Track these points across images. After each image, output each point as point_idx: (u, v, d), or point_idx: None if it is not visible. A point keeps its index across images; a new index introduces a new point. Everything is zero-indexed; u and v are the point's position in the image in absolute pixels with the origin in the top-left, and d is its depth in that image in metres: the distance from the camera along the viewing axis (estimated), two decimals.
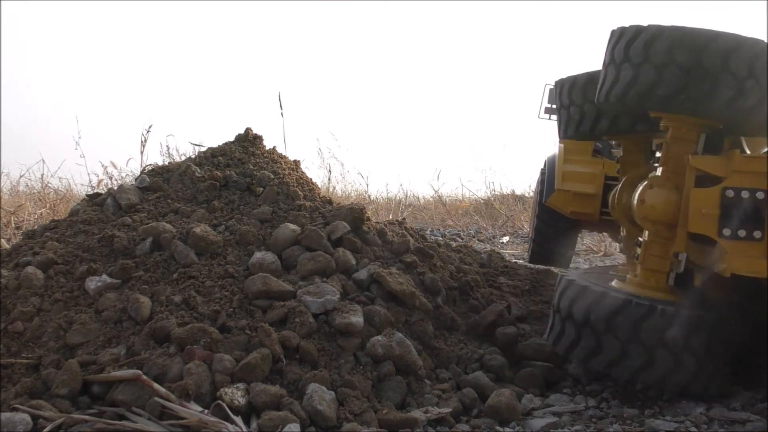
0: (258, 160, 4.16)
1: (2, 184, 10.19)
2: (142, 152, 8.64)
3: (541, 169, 5.72)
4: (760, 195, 2.73)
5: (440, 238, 7.74)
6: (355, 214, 3.68)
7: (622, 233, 3.93)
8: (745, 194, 2.74)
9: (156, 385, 2.52)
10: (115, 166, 9.43)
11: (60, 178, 9.85)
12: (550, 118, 6.35)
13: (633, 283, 3.10)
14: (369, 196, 12.74)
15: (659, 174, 3.08)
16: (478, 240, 9.76)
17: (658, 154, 3.18)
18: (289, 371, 2.76)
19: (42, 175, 9.80)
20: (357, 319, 3.02)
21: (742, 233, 2.74)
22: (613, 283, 3.16)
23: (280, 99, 6.52)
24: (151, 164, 4.91)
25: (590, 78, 3.72)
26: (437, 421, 2.74)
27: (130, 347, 2.81)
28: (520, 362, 3.42)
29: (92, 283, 3.15)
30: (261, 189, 3.91)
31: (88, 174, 9.53)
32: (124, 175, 9.35)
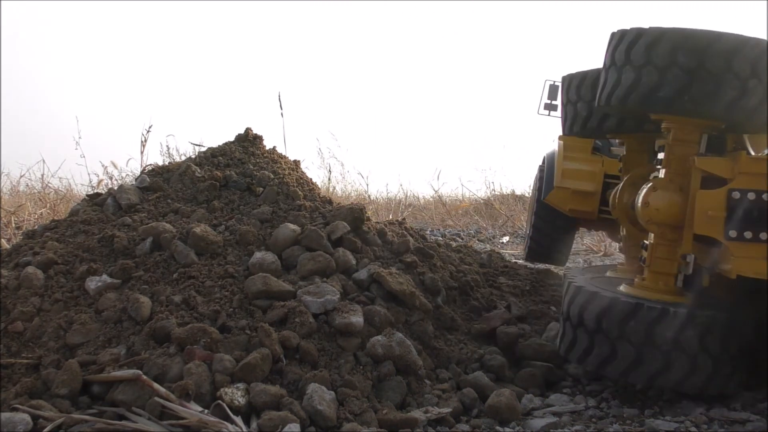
0: (258, 160, 4.16)
1: (2, 184, 10.19)
2: (142, 152, 8.64)
3: (540, 165, 5.70)
4: (766, 197, 2.72)
5: (440, 238, 7.73)
6: (355, 214, 3.68)
7: (621, 232, 3.92)
8: (751, 196, 2.74)
9: (156, 385, 2.52)
10: (115, 166, 9.43)
11: (60, 178, 9.85)
12: (549, 114, 6.32)
13: (642, 287, 3.08)
14: (369, 196, 12.73)
15: (662, 176, 3.07)
16: (478, 240, 9.76)
17: (660, 156, 3.17)
18: (289, 371, 2.76)
19: (42, 175, 9.80)
20: (357, 319, 3.02)
21: (748, 235, 2.73)
22: (622, 288, 3.14)
23: (280, 99, 6.52)
24: (151, 164, 4.91)
25: (600, 74, 3.72)
26: (437, 421, 2.74)
27: (130, 347, 2.81)
28: (520, 362, 3.42)
29: (92, 283, 3.15)
30: (261, 189, 3.91)
31: (88, 174, 9.53)
32: (124, 175, 9.35)
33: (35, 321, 2.95)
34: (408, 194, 13.83)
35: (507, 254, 7.36)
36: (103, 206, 3.82)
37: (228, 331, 2.89)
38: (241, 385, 2.61)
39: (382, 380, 2.89)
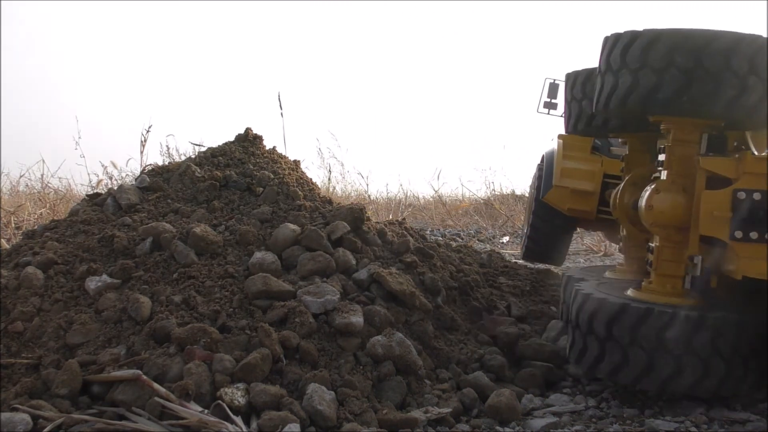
0: (258, 160, 4.16)
1: (2, 184, 10.20)
2: (142, 152, 8.64)
3: (539, 164, 5.68)
4: None
5: (440, 238, 7.73)
6: (355, 214, 3.68)
7: (621, 233, 3.91)
8: (757, 196, 2.72)
9: (156, 385, 2.52)
10: (115, 166, 9.43)
11: (60, 178, 9.85)
12: (548, 113, 6.30)
13: (650, 291, 3.06)
14: (369, 196, 12.73)
15: (664, 178, 3.06)
16: (478, 240, 9.76)
17: (661, 157, 3.15)
18: (289, 371, 2.76)
19: (42, 175, 9.81)
20: (357, 319, 3.02)
21: (754, 235, 2.72)
22: (630, 293, 3.12)
23: (279, 99, 6.52)
24: (151, 164, 4.91)
25: None
26: (437, 421, 2.74)
27: (130, 347, 2.81)
28: (520, 362, 3.42)
29: (92, 283, 3.15)
30: (261, 189, 3.91)
31: (88, 174, 9.53)
32: (124, 175, 9.35)
33: (35, 321, 2.95)
34: (408, 194, 13.83)
35: (507, 254, 7.36)
36: (103, 206, 3.82)
37: (228, 331, 2.89)
38: (241, 385, 2.61)
39: (382, 380, 2.89)
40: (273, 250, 3.41)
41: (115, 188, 3.98)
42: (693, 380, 2.79)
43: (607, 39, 3.06)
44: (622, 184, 3.74)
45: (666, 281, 3.04)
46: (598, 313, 2.94)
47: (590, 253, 8.99)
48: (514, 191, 13.46)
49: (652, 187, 3.05)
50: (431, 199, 13.54)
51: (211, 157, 4.15)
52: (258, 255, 3.32)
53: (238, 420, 2.45)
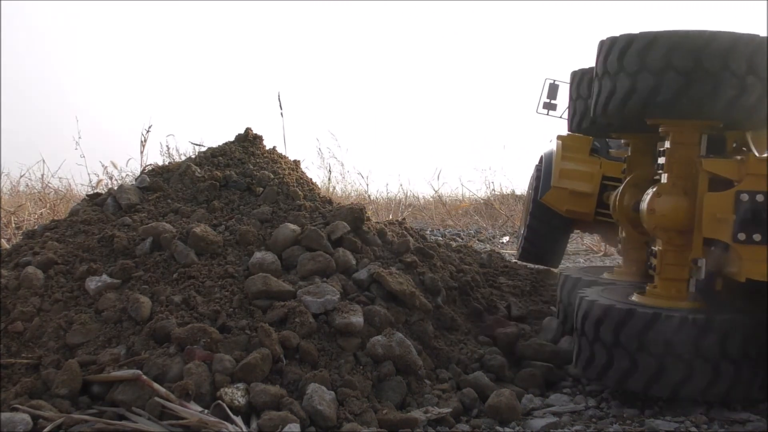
0: (258, 160, 4.16)
1: (2, 184, 10.20)
2: (142, 152, 8.65)
3: (537, 165, 5.67)
4: None
5: (440, 238, 7.73)
6: (355, 214, 3.68)
7: (620, 234, 3.90)
8: (760, 197, 2.72)
9: (156, 385, 2.52)
10: (115, 166, 9.44)
11: (60, 178, 9.86)
12: (548, 114, 6.28)
13: (656, 295, 3.05)
14: (369, 196, 12.74)
15: (665, 181, 3.05)
16: (478, 240, 9.76)
17: (661, 160, 3.14)
18: (289, 371, 2.76)
19: (42, 175, 9.82)
20: (357, 319, 3.02)
21: (757, 237, 2.71)
22: (634, 298, 3.11)
23: (279, 99, 6.53)
24: (151, 164, 4.91)
25: None
26: (437, 421, 2.74)
27: (130, 347, 2.81)
28: (520, 362, 3.42)
29: (92, 283, 3.15)
30: (261, 189, 3.91)
31: (88, 174, 9.55)
32: (124, 175, 9.36)
33: (35, 321, 2.95)
34: (408, 194, 13.84)
35: (507, 254, 7.36)
36: (103, 206, 3.82)
37: (228, 331, 2.89)
38: (241, 385, 2.61)
39: (382, 380, 2.89)
40: (273, 250, 3.41)
41: (115, 188, 3.98)
42: (703, 385, 2.78)
43: (602, 43, 3.05)
44: (623, 186, 3.72)
45: (671, 285, 3.02)
46: (605, 320, 2.91)
47: (590, 253, 8.99)
48: (514, 191, 13.46)
49: (653, 190, 3.04)
50: (431, 199, 13.54)
51: (211, 157, 4.15)
52: (258, 255, 3.32)
53: (238, 420, 2.45)
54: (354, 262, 3.47)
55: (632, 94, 2.86)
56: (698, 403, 2.93)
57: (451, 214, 12.42)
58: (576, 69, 4.23)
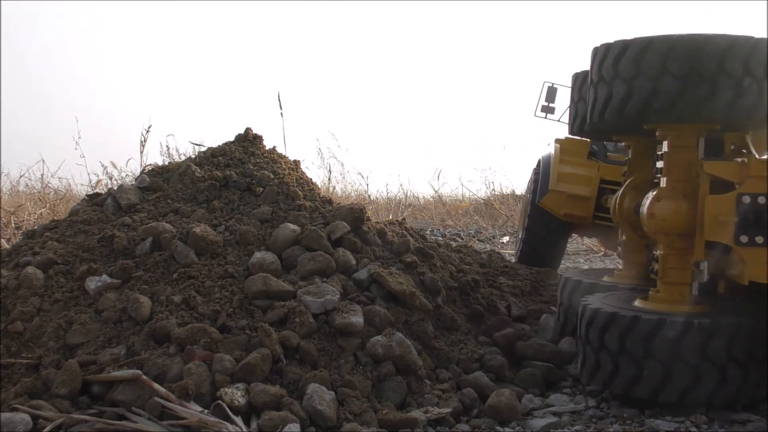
0: (258, 160, 4.16)
1: (2, 184, 10.21)
2: (142, 152, 8.65)
3: (535, 168, 5.66)
4: None
5: (440, 238, 7.74)
6: (355, 214, 3.68)
7: (620, 237, 3.89)
8: (761, 200, 2.71)
9: (156, 385, 2.52)
10: (115, 166, 9.45)
11: (60, 178, 9.87)
12: (546, 117, 6.27)
13: (659, 300, 3.03)
14: (369, 196, 12.74)
15: (664, 185, 3.04)
16: (478, 240, 9.77)
17: (659, 164, 3.14)
18: (289, 371, 2.76)
19: (42, 175, 9.83)
20: (357, 319, 3.02)
21: (759, 239, 2.70)
22: (638, 303, 3.09)
23: (279, 99, 6.53)
24: (151, 164, 4.91)
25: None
26: (437, 421, 2.74)
27: (130, 347, 2.81)
28: (520, 362, 3.42)
29: (92, 283, 3.15)
30: (261, 189, 3.91)
31: (88, 174, 9.55)
32: (124, 175, 9.37)
33: (35, 321, 2.95)
34: (408, 194, 13.84)
35: (507, 254, 7.36)
36: (103, 206, 3.82)
37: (228, 331, 2.89)
38: (241, 385, 2.61)
39: (382, 380, 2.89)
40: (273, 250, 3.41)
41: (115, 188, 3.98)
42: (711, 389, 2.77)
43: (596, 49, 3.05)
44: (623, 188, 3.71)
45: (674, 289, 3.01)
46: (610, 328, 2.89)
47: (590, 254, 8.99)
48: (514, 191, 13.46)
49: (653, 194, 3.03)
50: (431, 199, 13.55)
51: (211, 157, 4.15)
52: (258, 255, 3.32)
53: (238, 420, 2.45)
54: (354, 262, 3.46)
55: (629, 100, 2.85)
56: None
57: (451, 214, 12.43)
58: (578, 71, 4.22)
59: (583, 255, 8.88)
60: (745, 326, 2.80)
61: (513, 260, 5.84)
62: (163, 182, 3.96)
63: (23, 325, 2.93)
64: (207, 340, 2.76)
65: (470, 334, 3.59)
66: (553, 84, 6.19)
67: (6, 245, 5.45)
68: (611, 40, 2.96)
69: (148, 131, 8.63)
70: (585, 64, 3.51)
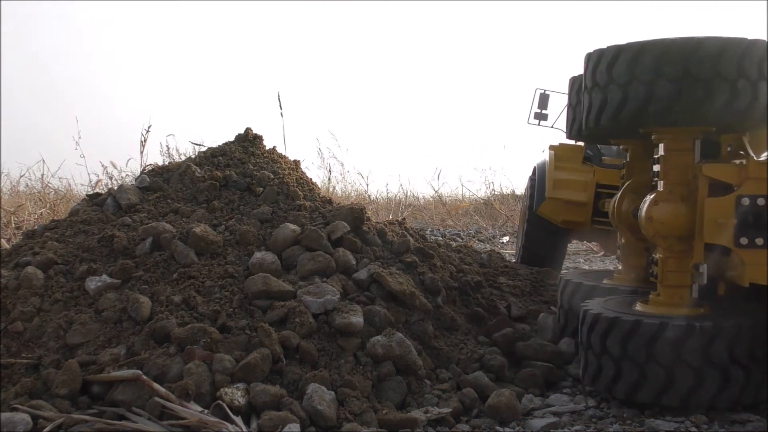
0: (258, 160, 4.16)
1: (2, 184, 10.21)
2: (142, 152, 8.66)
3: (530, 176, 5.67)
4: None
5: (440, 238, 7.74)
6: (355, 214, 3.68)
7: (619, 240, 3.89)
8: (761, 201, 2.71)
9: (156, 385, 2.52)
10: (115, 166, 9.45)
11: (60, 178, 9.88)
12: (539, 124, 6.29)
13: (660, 304, 3.03)
14: (369, 196, 12.75)
15: (661, 188, 3.04)
16: (478, 240, 9.77)
17: (656, 168, 3.14)
18: (289, 371, 2.76)
19: (42, 175, 9.84)
20: (357, 319, 3.02)
21: (759, 241, 2.70)
22: (639, 307, 3.09)
23: (279, 99, 6.54)
24: (151, 164, 4.92)
25: None
26: (437, 421, 2.74)
27: (130, 347, 2.81)
28: (520, 362, 3.42)
29: (92, 283, 3.15)
30: (261, 189, 3.91)
31: (88, 174, 9.57)
32: (124, 175, 9.37)
33: (35, 321, 2.95)
34: (408, 194, 13.85)
35: (507, 254, 7.37)
36: (103, 206, 3.82)
37: (228, 331, 2.89)
38: (241, 385, 2.61)
39: (382, 380, 2.89)
40: (273, 250, 3.41)
41: (115, 188, 3.98)
42: (713, 392, 2.77)
43: (590, 55, 3.05)
44: (621, 192, 3.71)
45: (674, 293, 3.01)
46: (611, 332, 2.89)
47: (590, 254, 9.00)
48: (514, 191, 13.48)
49: (651, 197, 3.03)
50: (431, 199, 13.56)
51: (211, 157, 4.15)
52: (258, 255, 3.32)
53: (238, 420, 2.45)
54: (354, 262, 3.46)
55: (624, 105, 2.86)
56: None
57: (451, 214, 12.43)
58: (575, 75, 4.23)
59: (583, 255, 8.89)
60: (746, 328, 2.80)
61: (513, 261, 5.84)
62: (163, 182, 3.96)
63: (23, 325, 2.93)
64: (207, 340, 2.76)
65: (470, 334, 3.58)
66: (544, 90, 6.20)
67: (6, 245, 5.46)
68: (604, 46, 2.97)
69: (148, 131, 8.64)
70: (581, 67, 3.52)
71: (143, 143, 8.62)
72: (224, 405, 2.49)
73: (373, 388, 2.85)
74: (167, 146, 10.11)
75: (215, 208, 3.75)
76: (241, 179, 3.95)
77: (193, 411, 2.44)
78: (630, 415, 2.89)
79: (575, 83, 4.18)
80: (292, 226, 3.51)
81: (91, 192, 4.64)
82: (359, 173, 16.28)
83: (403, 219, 4.58)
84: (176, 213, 3.70)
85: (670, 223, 2.95)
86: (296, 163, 4.39)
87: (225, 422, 2.42)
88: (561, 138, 6.27)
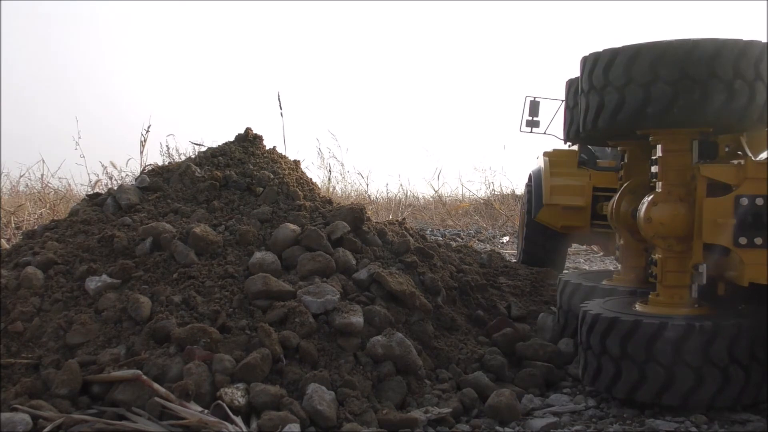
0: (258, 160, 4.16)
1: (2, 184, 10.21)
2: (142, 152, 8.66)
3: (527, 183, 5.68)
4: None
5: (440, 238, 7.74)
6: (355, 214, 3.68)
7: (618, 242, 3.90)
8: (759, 201, 2.72)
9: (156, 385, 2.52)
10: (114, 166, 9.46)
11: (60, 178, 9.89)
12: (531, 131, 6.31)
13: (659, 304, 3.04)
14: (369, 196, 12.75)
15: (660, 189, 3.05)
16: (478, 240, 9.77)
17: (654, 169, 3.15)
18: (289, 371, 2.76)
19: (42, 175, 9.84)
20: (357, 319, 3.02)
21: (758, 241, 2.71)
22: (638, 307, 3.10)
23: (279, 99, 6.54)
24: (151, 164, 4.91)
25: None
26: (437, 421, 2.74)
27: (130, 347, 2.81)
28: (520, 362, 3.42)
29: (92, 283, 3.15)
30: (261, 189, 3.91)
31: (88, 174, 9.57)
32: (124, 175, 9.37)
33: (35, 321, 2.95)
34: (408, 194, 13.85)
35: (507, 254, 7.37)
36: (103, 206, 3.82)
37: (228, 331, 2.89)
38: (241, 385, 2.61)
39: (382, 380, 2.89)
40: (273, 250, 3.41)
41: (115, 188, 3.98)
42: (713, 391, 2.77)
43: (586, 58, 3.06)
44: (619, 193, 3.71)
45: (673, 293, 3.02)
46: (611, 333, 2.90)
47: (590, 254, 9.00)
48: (514, 191, 13.49)
49: (649, 198, 3.04)
50: (431, 199, 13.56)
51: (211, 157, 4.15)
52: (258, 255, 3.32)
53: (238, 420, 2.45)
54: (354, 262, 3.46)
55: (622, 107, 2.87)
56: None
57: (451, 214, 12.43)
58: (572, 77, 4.23)
59: (584, 256, 8.89)
60: (746, 327, 2.80)
61: (513, 261, 5.84)
62: (163, 182, 3.96)
63: (23, 325, 2.93)
64: (207, 340, 2.76)
65: (470, 334, 3.58)
66: (534, 98, 6.22)
67: (6, 245, 5.46)
68: (599, 49, 2.99)
69: (148, 131, 8.65)
70: (577, 70, 3.52)
71: (143, 143, 8.63)
72: (224, 405, 2.49)
73: (373, 388, 2.85)
74: (167, 146, 10.13)
75: (215, 208, 3.75)
76: (241, 179, 3.94)
77: (193, 411, 2.44)
78: (630, 415, 2.89)
79: (572, 86, 4.18)
80: (292, 226, 3.51)
81: (91, 192, 4.64)
82: (359, 173, 16.30)
83: (403, 219, 4.58)
84: (176, 213, 3.70)
85: (669, 223, 2.96)
86: (296, 163, 4.39)
87: (225, 422, 2.42)
88: (554, 144, 6.30)
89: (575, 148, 5.35)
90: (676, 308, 2.97)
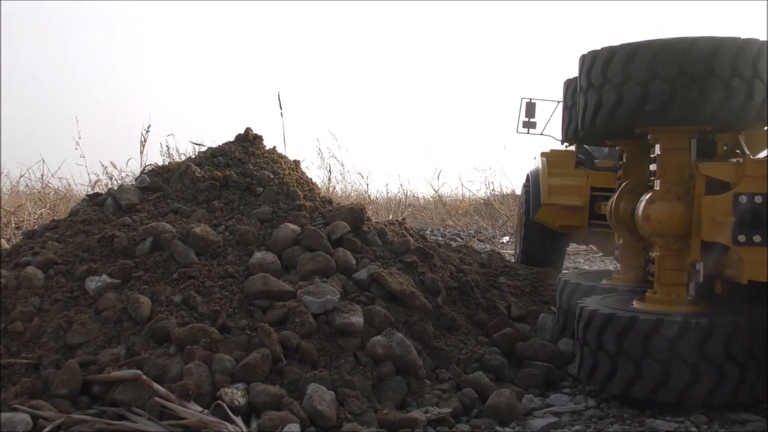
0: (258, 160, 4.16)
1: (2, 184, 10.21)
2: (142, 152, 8.67)
3: (524, 183, 5.69)
4: None
5: (440, 238, 7.74)
6: (355, 214, 3.68)
7: (617, 241, 3.90)
8: (758, 199, 2.72)
9: (156, 385, 2.52)
10: (114, 166, 9.46)
11: (60, 178, 9.89)
12: (528, 132, 6.34)
13: (656, 301, 3.05)
14: (369, 196, 12.75)
15: (658, 187, 3.05)
16: (478, 240, 9.77)
17: (652, 167, 3.15)
18: (289, 371, 2.76)
19: (42, 175, 9.85)
20: (357, 319, 3.02)
21: (757, 239, 2.71)
22: (635, 304, 3.10)
23: (279, 99, 6.55)
24: (151, 164, 4.92)
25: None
26: (437, 421, 2.74)
27: (130, 347, 2.81)
28: (520, 362, 3.42)
29: (92, 283, 3.15)
30: (261, 189, 3.91)
31: (88, 174, 9.57)
32: (124, 175, 9.38)
33: (35, 321, 2.95)
34: (408, 194, 13.86)
35: (507, 254, 7.37)
36: (103, 206, 3.82)
37: (228, 331, 2.89)
38: (241, 385, 2.61)
39: (382, 380, 2.89)
40: (273, 250, 3.41)
41: (115, 188, 3.98)
42: (709, 388, 2.77)
43: (584, 57, 3.07)
44: (618, 192, 3.72)
45: (671, 290, 3.03)
46: (607, 329, 2.90)
47: (590, 253, 9.00)
48: (514, 191, 13.49)
49: (647, 197, 3.05)
50: (431, 199, 13.56)
51: (211, 157, 4.15)
52: (258, 255, 3.32)
53: (238, 420, 2.45)
54: (354, 262, 3.47)
55: (620, 105, 2.87)
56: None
57: (451, 214, 12.43)
58: (570, 77, 4.23)
59: (583, 255, 8.89)
60: (742, 325, 2.81)
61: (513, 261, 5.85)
62: (163, 182, 3.96)
63: (23, 325, 2.93)
64: (207, 340, 2.76)
65: (470, 334, 3.58)
66: (530, 99, 6.25)
67: (6, 245, 5.46)
68: (598, 47, 2.99)
69: (148, 131, 8.65)
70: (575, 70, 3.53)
71: (143, 143, 8.64)
72: (224, 405, 2.49)
73: (373, 388, 2.85)
74: (167, 146, 10.13)
75: (215, 208, 3.75)
76: (241, 179, 3.94)
77: (193, 411, 2.44)
78: (630, 415, 2.90)
79: (570, 85, 4.19)
80: (292, 226, 3.51)
81: (91, 192, 4.64)
82: (359, 173, 16.31)
83: (403, 219, 4.58)
84: (176, 213, 3.70)
85: (667, 221, 2.96)
86: (296, 163, 4.39)
87: (225, 422, 2.42)
88: (551, 144, 6.32)
89: (572, 148, 5.37)
90: (673, 306, 2.98)
